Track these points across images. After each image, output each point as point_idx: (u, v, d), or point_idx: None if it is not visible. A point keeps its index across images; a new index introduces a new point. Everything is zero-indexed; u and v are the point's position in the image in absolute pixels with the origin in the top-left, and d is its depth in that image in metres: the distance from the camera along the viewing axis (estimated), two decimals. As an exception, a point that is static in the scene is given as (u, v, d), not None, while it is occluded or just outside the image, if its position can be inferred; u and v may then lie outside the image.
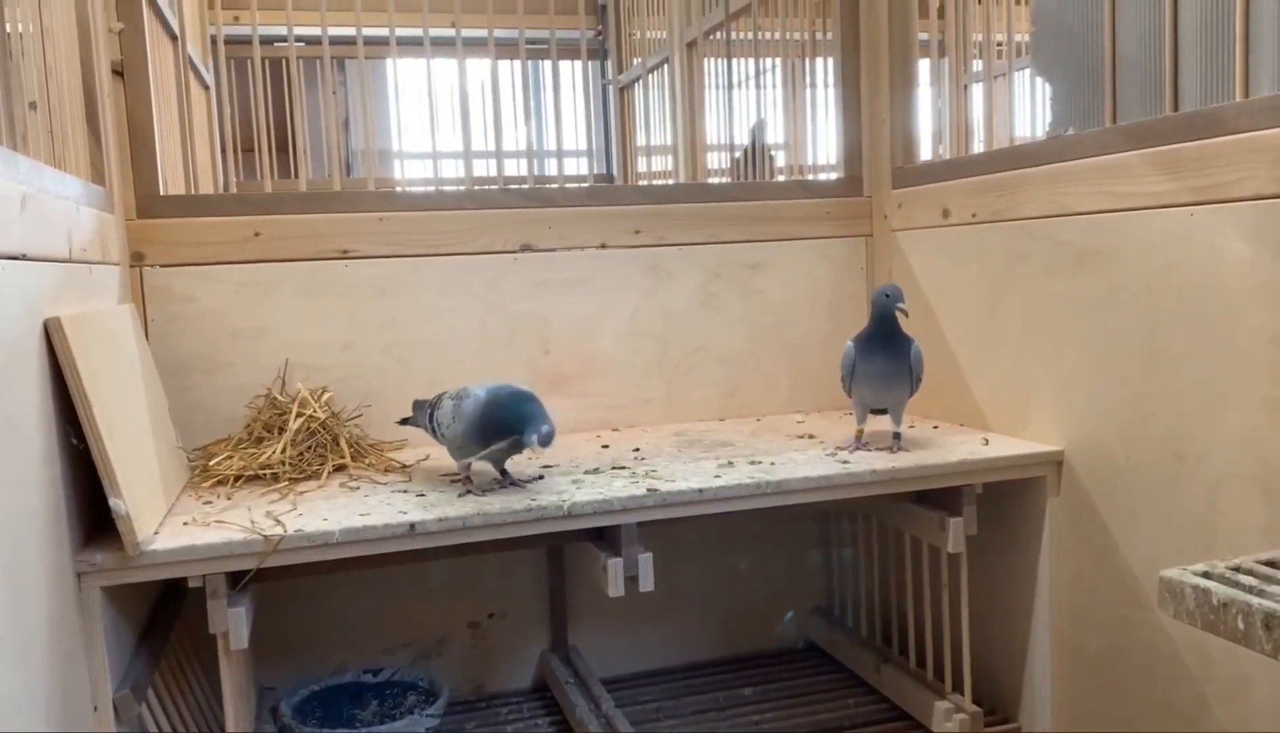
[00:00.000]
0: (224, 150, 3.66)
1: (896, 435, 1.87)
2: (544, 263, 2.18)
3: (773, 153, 3.73)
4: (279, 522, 1.52)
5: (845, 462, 1.79)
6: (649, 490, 1.63)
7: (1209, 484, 1.52)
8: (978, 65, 2.14)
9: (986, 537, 1.85)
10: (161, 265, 1.99)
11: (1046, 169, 1.81)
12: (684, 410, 2.29)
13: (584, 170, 4.81)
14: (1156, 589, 1.11)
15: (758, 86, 3.18)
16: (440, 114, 2.77)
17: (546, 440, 1.58)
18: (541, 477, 1.77)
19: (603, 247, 2.22)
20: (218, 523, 1.53)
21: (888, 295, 1.84)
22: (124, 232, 1.93)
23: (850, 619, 2.35)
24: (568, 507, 1.58)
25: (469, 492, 1.66)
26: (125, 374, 1.65)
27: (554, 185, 2.26)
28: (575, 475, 1.77)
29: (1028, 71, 2.82)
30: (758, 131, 3.76)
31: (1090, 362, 1.73)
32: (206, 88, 3.67)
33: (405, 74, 4.38)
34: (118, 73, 1.94)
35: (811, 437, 2.04)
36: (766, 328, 2.33)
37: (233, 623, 1.48)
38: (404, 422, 1.93)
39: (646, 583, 1.65)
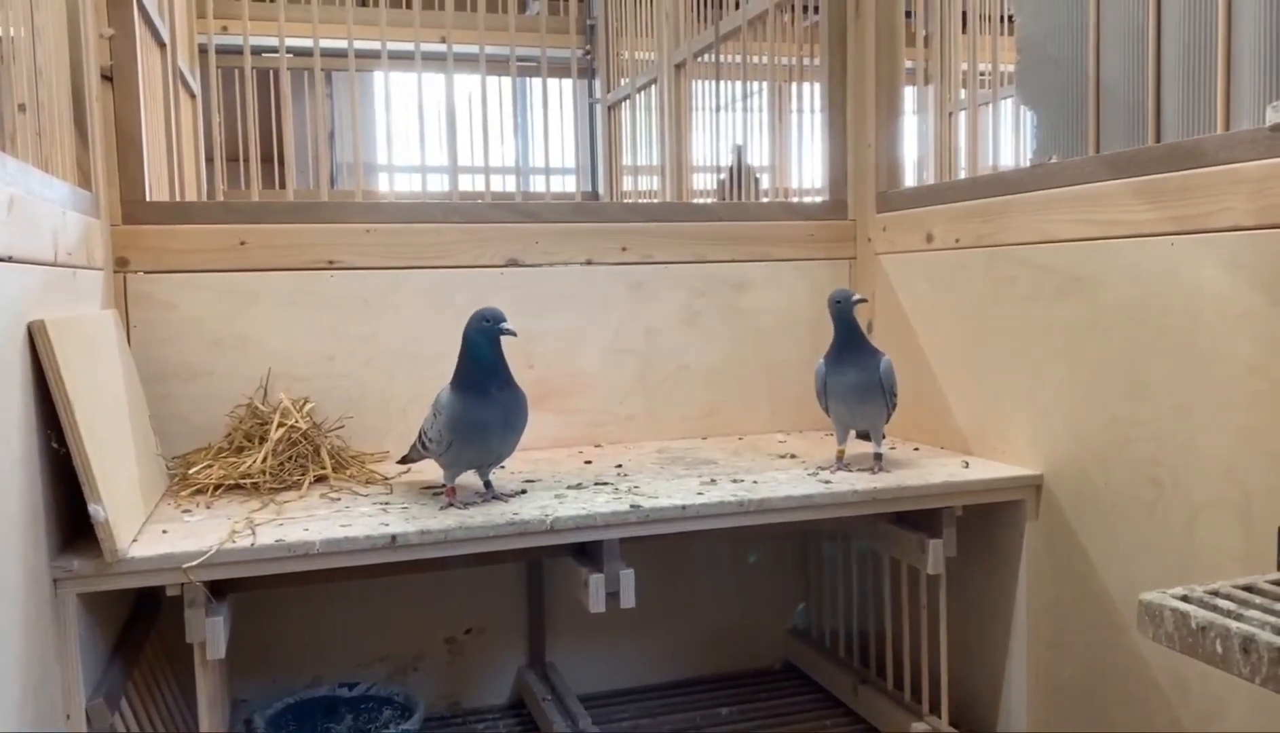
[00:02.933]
0: (210, 159, 3.65)
1: (878, 456, 1.88)
2: (530, 278, 2.19)
3: (757, 176, 3.76)
4: (255, 532, 1.51)
5: (827, 481, 1.79)
6: (632, 507, 1.63)
7: (1187, 510, 1.53)
8: (963, 94, 2.17)
9: (966, 559, 1.86)
10: (145, 272, 1.98)
11: (1030, 196, 1.83)
12: (666, 428, 2.29)
13: (570, 187, 4.84)
14: (1135, 613, 1.12)
15: (745, 110, 3.20)
16: (428, 128, 2.78)
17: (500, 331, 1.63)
18: (524, 491, 1.76)
19: (588, 263, 2.23)
20: (197, 532, 1.51)
21: (839, 301, 1.85)
22: (109, 237, 1.92)
23: (828, 639, 2.35)
24: (550, 521, 1.58)
25: (451, 504, 1.65)
26: (107, 380, 1.64)
27: (542, 201, 2.26)
28: (558, 490, 1.77)
29: (1011, 101, 2.87)
30: (740, 154, 3.79)
31: (1071, 387, 1.75)
32: (194, 97, 3.66)
33: (393, 88, 4.38)
34: (106, 78, 1.93)
35: (793, 457, 2.05)
36: (749, 348, 2.34)
37: (210, 633, 1.47)
38: (404, 460, 1.89)
39: (628, 599, 1.65)
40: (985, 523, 1.92)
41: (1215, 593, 1.13)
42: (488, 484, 1.74)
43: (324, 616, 2.11)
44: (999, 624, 1.92)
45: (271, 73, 4.20)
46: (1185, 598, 1.11)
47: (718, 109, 3.28)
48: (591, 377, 2.24)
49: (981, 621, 1.97)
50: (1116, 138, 1.72)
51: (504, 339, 1.66)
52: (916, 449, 2.11)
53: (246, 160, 3.67)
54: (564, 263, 2.21)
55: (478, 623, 2.23)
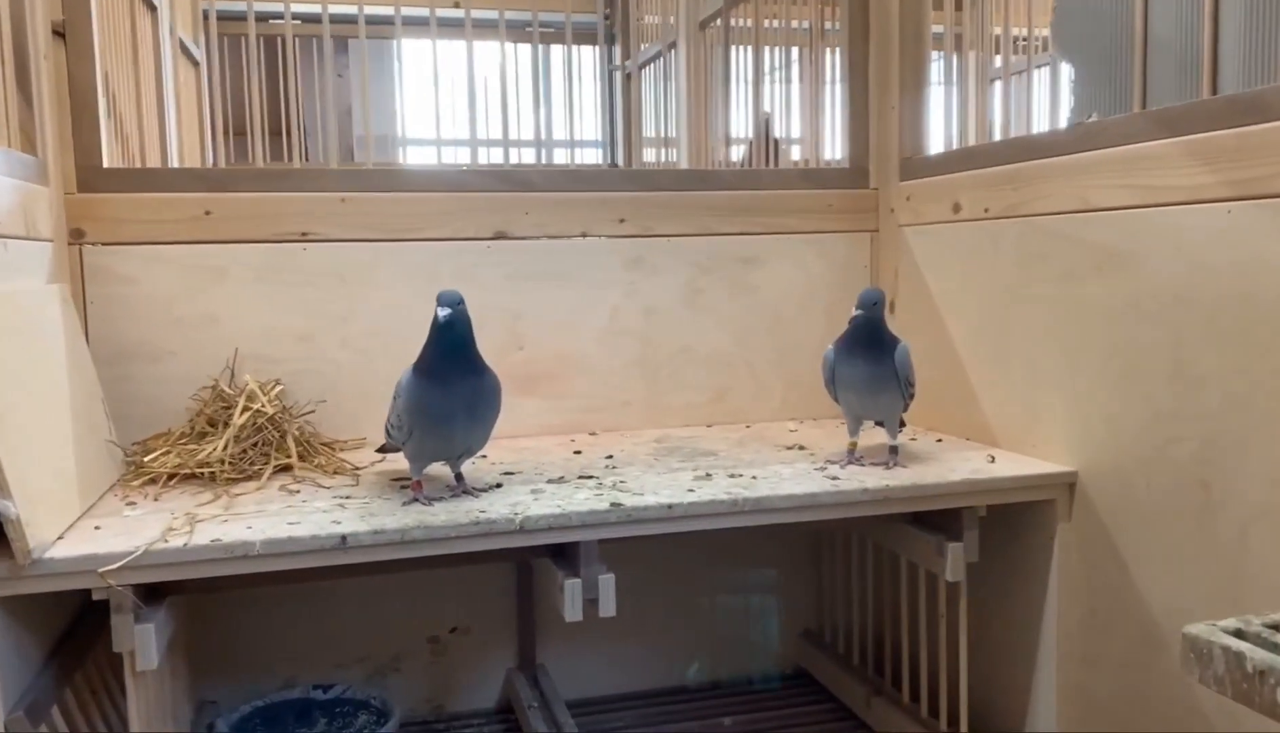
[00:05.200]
0: (214, 131, 3.52)
1: (893, 449, 1.70)
2: (519, 252, 2.02)
3: (785, 148, 3.56)
4: (193, 529, 1.37)
5: (834, 478, 1.62)
6: (612, 505, 1.47)
7: (1240, 520, 1.34)
8: (996, 61, 1.96)
9: (989, 563, 1.68)
10: (103, 244, 1.84)
11: (1067, 160, 1.63)
12: (666, 415, 2.13)
13: (589, 161, 4.65)
14: (1180, 647, 0.94)
15: (769, 79, 3.00)
16: (445, 99, 2.62)
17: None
18: (499, 485, 1.61)
19: (583, 236, 2.06)
20: (134, 529, 1.38)
21: (873, 304, 1.66)
22: (60, 206, 1.78)
23: (841, 645, 2.18)
24: (520, 521, 1.42)
25: (416, 499, 1.50)
26: (40, 360, 1.50)
27: (532, 165, 2.10)
28: (537, 484, 1.61)
29: (1046, 69, 2.65)
30: (765, 123, 3.58)
31: (1110, 376, 1.56)
32: (195, 65, 3.53)
33: (407, 56, 4.23)
34: (58, 34, 1.79)
35: (802, 448, 1.87)
36: (759, 328, 2.16)
37: (140, 642, 1.33)
38: (383, 449, 1.75)
39: (607, 607, 1.49)
40: (1012, 524, 1.73)
41: (1276, 627, 0.94)
42: (459, 477, 1.58)
43: (298, 612, 1.98)
44: (1025, 637, 1.74)
45: (279, 41, 4.07)
46: (1240, 633, 0.92)
47: (738, 78, 3.09)
48: (586, 359, 2.08)
49: (1006, 632, 1.79)
50: (1165, 91, 1.52)
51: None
52: (939, 441, 1.93)
53: (252, 133, 3.54)
54: (557, 235, 2.05)
55: (464, 622, 2.08)
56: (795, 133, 2.59)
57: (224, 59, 3.76)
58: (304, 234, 1.92)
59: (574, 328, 2.07)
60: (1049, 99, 1.84)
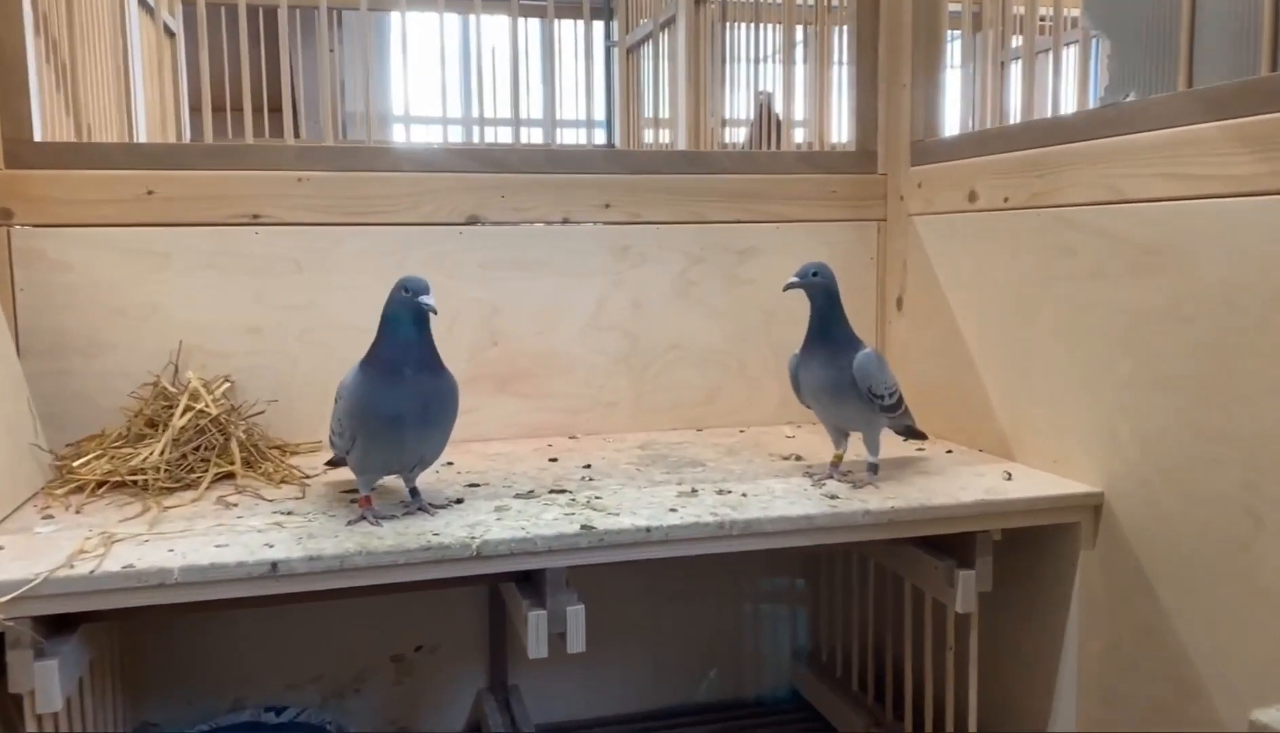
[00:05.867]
0: (196, 107, 3.33)
1: (871, 467, 1.53)
2: (494, 238, 1.86)
3: (785, 128, 3.38)
4: (108, 551, 1.21)
5: (833, 497, 1.45)
6: (583, 528, 1.31)
7: (1296, 557, 1.18)
8: (1016, 41, 1.79)
9: (1003, 589, 1.52)
10: (34, 225, 1.67)
11: (1098, 145, 1.46)
12: (654, 418, 1.96)
13: (595, 142, 4.45)
14: (1214, 675, 0.78)
15: (770, 58, 2.83)
16: (440, 75, 2.45)
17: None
18: (460, 500, 1.45)
19: (565, 222, 1.89)
20: (43, 549, 1.22)
21: (815, 274, 1.49)
22: (-17, 183, 1.62)
23: (839, 669, 2.02)
24: (477, 546, 1.26)
25: (363, 518, 1.34)
26: (-57, 358, 1.34)
27: (508, 144, 1.93)
28: (503, 500, 1.45)
29: (1074, 47, 2.47)
30: (766, 102, 3.41)
31: (1144, 386, 1.39)
32: (172, 36, 3.35)
33: (395, 30, 4.05)
34: (-18, -7, 1.62)
35: (799, 458, 1.71)
36: (755, 325, 1.99)
37: (40, 682, 1.17)
38: (331, 462, 1.59)
39: (576, 642, 1.33)
40: (1029, 548, 1.57)
41: (1362, 713, 0.78)
42: (414, 492, 1.42)
43: (248, 626, 1.82)
44: (1042, 672, 1.58)
45: (261, 11, 3.89)
46: (1319, 723, 0.76)
47: (736, 57, 2.91)
48: (567, 357, 1.92)
49: (1021, 666, 1.63)
50: (1215, 68, 1.34)
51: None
52: (949, 452, 1.76)
53: (205, 107, 3.35)
54: (535, 221, 1.88)
55: (431, 639, 1.92)
56: (799, 115, 2.41)
57: (207, 31, 3.58)
58: (256, 217, 1.76)
59: (554, 322, 1.90)
60: (1078, 77, 1.66)
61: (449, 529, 1.30)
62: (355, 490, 1.48)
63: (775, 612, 2.12)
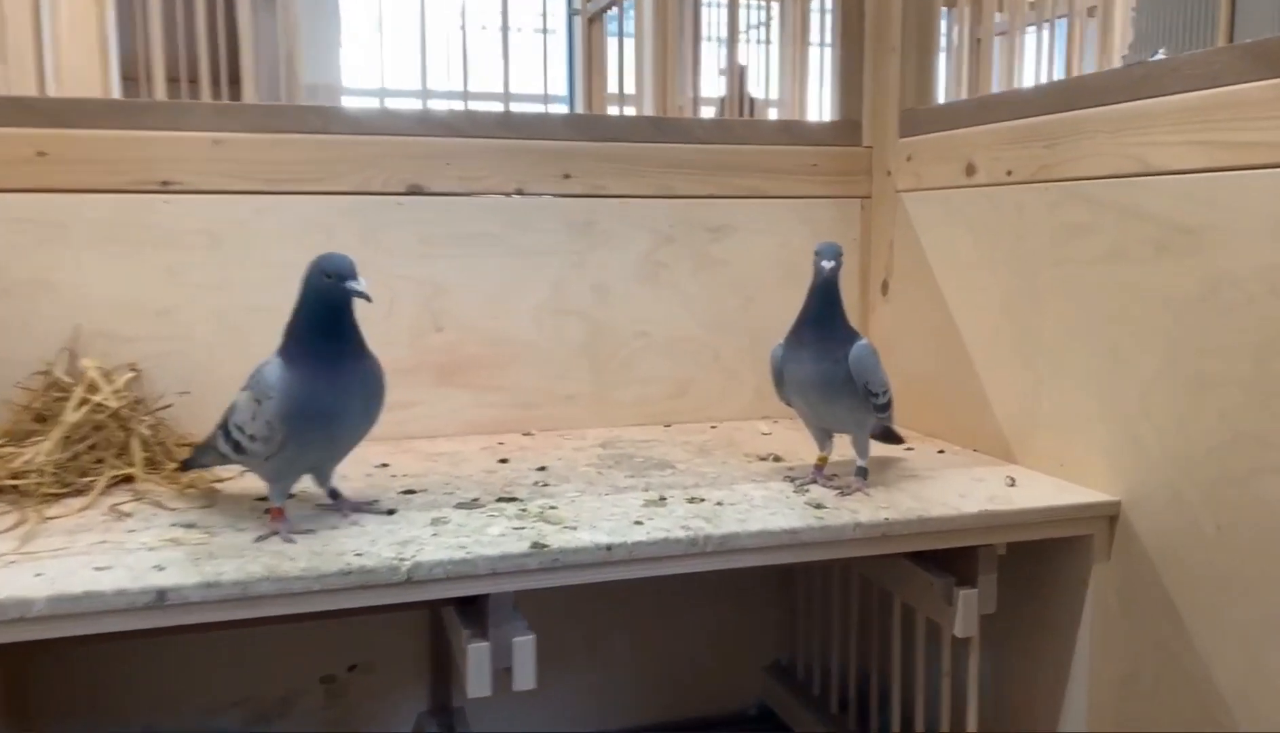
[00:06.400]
0: (131, 77, 3.07)
1: (860, 470, 1.36)
2: (439, 211, 1.66)
3: (754, 101, 3.20)
4: (-43, 580, 1.01)
5: (818, 506, 1.28)
6: (533, 546, 1.12)
7: (1360, 585, 1.02)
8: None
9: (1002, 608, 1.36)
10: (-97, 190, 1.46)
11: (1121, 109, 1.29)
12: (618, 412, 1.78)
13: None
14: (1250, 711, 0.61)
15: (745, 31, 2.64)
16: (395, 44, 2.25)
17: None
18: (393, 510, 1.25)
19: (518, 193, 1.70)
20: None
21: (823, 255, 1.32)
22: None
23: (816, 685, 1.85)
24: (407, 569, 1.07)
25: (275, 533, 1.15)
26: None
27: (455, 107, 1.73)
28: (442, 510, 1.26)
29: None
30: (736, 76, 3.23)
31: (1172, 383, 1.23)
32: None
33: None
34: None
35: (778, 459, 1.53)
36: (729, 310, 1.82)
37: None
38: (186, 465, 1.35)
39: (525, 678, 1.15)
40: (1034, 562, 1.41)
41: None
42: (335, 495, 1.23)
43: (159, 645, 1.62)
44: (1047, 701, 1.42)
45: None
46: None
47: (706, 25, 2.72)
48: (521, 345, 1.73)
49: (1024, 693, 1.47)
50: (1261, 20, 1.17)
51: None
52: (941, 452, 1.59)
53: (170, 80, 3.10)
54: (486, 192, 1.68)
55: (366, 658, 1.73)
56: (775, 92, 2.23)
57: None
58: (166, 183, 1.55)
59: (506, 306, 1.71)
60: (1098, 34, 1.49)
61: (375, 548, 1.11)
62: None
63: (742, 620, 1.95)
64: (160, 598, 1.01)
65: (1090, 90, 1.35)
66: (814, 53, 2.22)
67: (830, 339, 1.32)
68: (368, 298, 1.15)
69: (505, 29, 1.79)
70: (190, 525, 1.20)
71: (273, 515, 1.18)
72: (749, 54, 3.51)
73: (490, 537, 1.15)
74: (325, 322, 1.16)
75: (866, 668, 1.73)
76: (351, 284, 1.14)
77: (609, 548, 1.14)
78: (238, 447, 1.19)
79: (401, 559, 1.08)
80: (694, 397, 1.82)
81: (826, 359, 1.31)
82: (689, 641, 1.90)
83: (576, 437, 1.70)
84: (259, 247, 1.59)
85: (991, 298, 1.56)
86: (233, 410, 1.21)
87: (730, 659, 1.94)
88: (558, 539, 1.14)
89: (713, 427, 1.78)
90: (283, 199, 1.59)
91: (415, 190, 1.64)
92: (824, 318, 1.33)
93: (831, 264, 1.30)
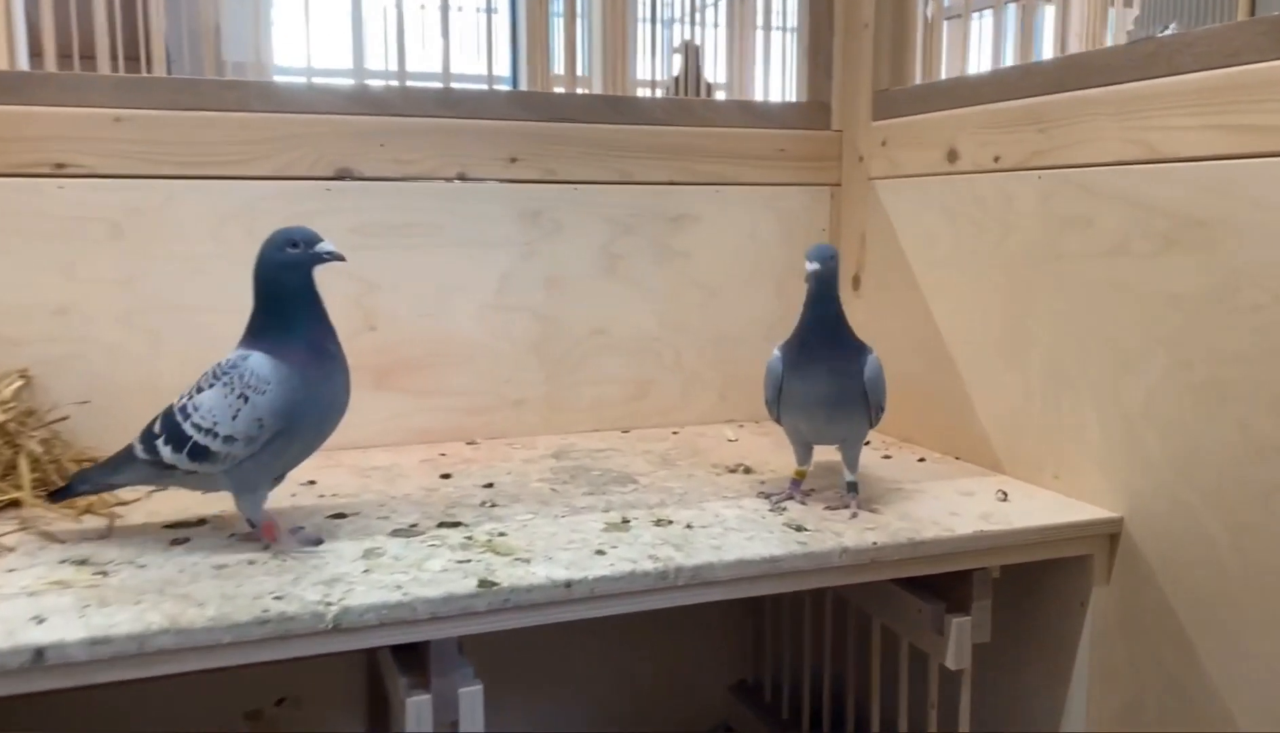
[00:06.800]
0: (37, 53, 2.84)
1: (851, 486, 1.24)
2: (371, 197, 1.50)
3: (711, 85, 3.07)
4: None
5: (799, 528, 1.15)
6: (481, 584, 0.98)
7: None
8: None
9: (992, 633, 1.25)
10: None
11: (1125, 90, 1.18)
12: (572, 418, 1.64)
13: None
14: None
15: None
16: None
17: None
18: (320, 540, 1.10)
19: (460, 179, 1.55)
20: None
21: (817, 262, 1.19)
22: None
23: (786, 708, 1.73)
24: (334, 616, 0.92)
25: (271, 545, 0.99)
26: None
27: (390, 84, 1.57)
28: (376, 538, 1.11)
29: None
30: (689, 56, 3.09)
31: (1182, 389, 1.12)
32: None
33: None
34: None
35: (748, 471, 1.41)
36: (691, 306, 1.69)
37: None
38: (73, 488, 1.13)
39: (472, 726, 1.01)
40: (1027, 584, 1.30)
41: None
42: (252, 523, 1.08)
43: (61, 685, 1.45)
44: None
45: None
46: None
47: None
48: (465, 345, 1.58)
49: (1015, 726, 1.36)
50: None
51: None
52: (921, 461, 1.48)
53: (84, 57, 2.88)
54: (424, 177, 1.53)
55: (295, 690, 1.57)
56: (728, 76, 2.09)
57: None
58: (60, 166, 1.37)
59: (448, 302, 1.56)
60: (1097, 7, 1.38)
61: (297, 589, 0.96)
62: (183, 524, 1.14)
63: (705, 636, 1.82)
64: (38, 658, 0.85)
65: (1091, 68, 1.24)
66: (772, 37, 2.09)
67: (841, 353, 1.20)
68: (342, 258, 1.09)
69: (445, 7, 1.62)
70: (82, 562, 1.04)
71: (265, 532, 1.06)
72: (702, 36, 3.38)
73: (431, 573, 1.01)
74: (302, 301, 1.08)
75: (841, 690, 1.62)
76: (323, 248, 1.08)
77: (568, 585, 1.00)
78: (200, 453, 1.05)
79: (328, 603, 0.93)
80: (654, 400, 1.68)
81: (840, 376, 1.19)
82: (650, 658, 1.77)
83: (526, 446, 1.56)
84: (169, 237, 1.42)
85: (976, 295, 1.44)
86: (188, 412, 1.06)
87: (693, 678, 1.82)
88: (509, 575, 1.00)
89: (674, 432, 1.65)
90: (196, 184, 1.42)
91: (345, 174, 1.48)
92: (829, 328, 1.20)
93: (814, 267, 1.18)
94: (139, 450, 1.08)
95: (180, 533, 1.13)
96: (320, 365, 1.07)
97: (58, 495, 1.13)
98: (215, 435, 1.04)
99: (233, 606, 0.92)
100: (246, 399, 1.03)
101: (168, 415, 1.07)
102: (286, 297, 1.07)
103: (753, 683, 1.83)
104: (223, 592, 0.95)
